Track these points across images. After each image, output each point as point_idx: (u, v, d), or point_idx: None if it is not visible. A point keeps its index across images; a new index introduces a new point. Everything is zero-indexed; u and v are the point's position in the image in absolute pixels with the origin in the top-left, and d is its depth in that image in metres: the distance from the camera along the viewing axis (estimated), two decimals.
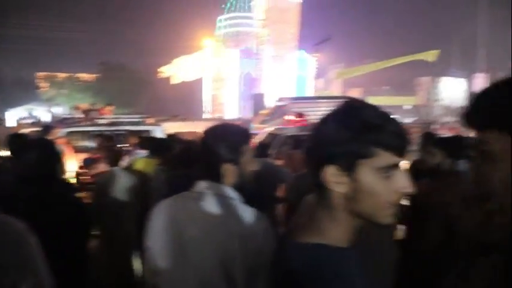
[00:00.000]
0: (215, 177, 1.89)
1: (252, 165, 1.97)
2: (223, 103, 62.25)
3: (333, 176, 1.06)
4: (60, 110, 49.17)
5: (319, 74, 61.47)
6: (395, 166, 1.05)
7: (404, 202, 3.07)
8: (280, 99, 18.23)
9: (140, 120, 10.49)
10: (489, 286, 0.95)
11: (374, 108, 1.06)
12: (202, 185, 1.91)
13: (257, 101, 34.57)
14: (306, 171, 3.95)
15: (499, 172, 0.88)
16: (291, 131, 9.91)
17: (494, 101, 0.88)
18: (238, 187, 1.93)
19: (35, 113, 42.27)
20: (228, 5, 68.20)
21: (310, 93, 56.11)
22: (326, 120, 1.10)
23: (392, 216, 1.07)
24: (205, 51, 59.34)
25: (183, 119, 23.27)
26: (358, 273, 1.08)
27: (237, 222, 1.79)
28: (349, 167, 1.05)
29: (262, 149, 5.91)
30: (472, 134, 0.98)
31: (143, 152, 6.32)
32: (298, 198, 4.10)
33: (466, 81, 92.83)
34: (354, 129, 1.03)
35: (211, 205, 1.85)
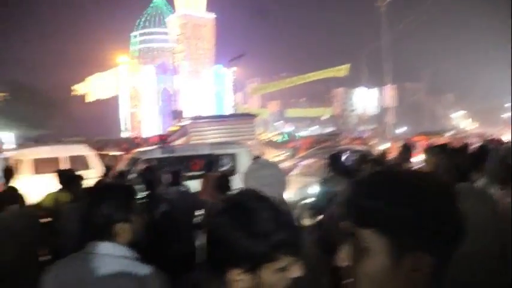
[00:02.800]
0: (107, 237, 1.91)
1: (141, 221, 2.02)
2: (141, 120, 61.54)
3: (236, 277, 1.14)
4: None
5: (237, 89, 62.67)
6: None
7: None
8: (182, 119, 18.50)
9: None
10: None
11: (267, 207, 1.17)
12: (94, 246, 1.91)
13: (176, 117, 34.55)
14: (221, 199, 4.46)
15: (369, 267, 0.92)
16: (150, 154, 9.93)
17: (371, 201, 0.91)
18: (133, 244, 1.95)
19: None
20: (141, 20, 67.74)
21: (229, 107, 56.85)
22: (222, 222, 1.15)
23: None
24: (120, 68, 58.54)
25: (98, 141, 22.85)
26: None
27: (132, 282, 1.80)
28: (253, 270, 1.14)
29: (174, 176, 5.92)
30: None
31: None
32: None
33: (377, 92, 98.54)
34: (255, 235, 1.12)
35: (104, 266, 1.84)
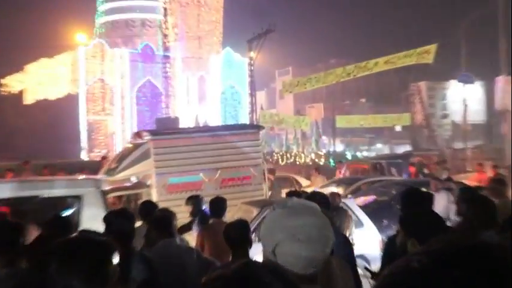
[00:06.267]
0: None
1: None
2: (113, 132, 61.54)
3: None
4: None
5: (260, 84, 62.79)
6: None
7: None
8: (135, 135, 17.90)
9: None
10: None
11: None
12: None
13: (164, 127, 34.29)
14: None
15: None
16: None
17: None
18: None
19: None
20: None
21: (245, 113, 57.03)
22: None
23: None
24: (79, 52, 58.78)
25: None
26: None
27: None
28: None
29: (164, 226, 6.46)
30: None
31: None
32: None
33: (483, 87, 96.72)
34: None
35: None
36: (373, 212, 14.59)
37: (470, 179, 24.07)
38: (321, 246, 2.41)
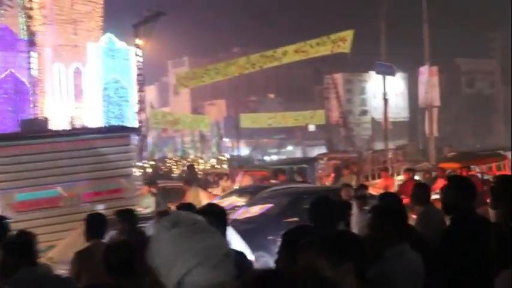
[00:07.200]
0: None
1: None
2: None
3: None
4: None
5: (150, 78, 61.74)
6: None
7: None
8: None
9: None
10: None
11: None
12: None
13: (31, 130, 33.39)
14: None
15: None
16: None
17: None
18: None
19: None
20: None
21: (131, 113, 56.34)
22: None
23: None
24: None
25: None
26: None
27: None
28: None
29: (24, 252, 6.16)
30: None
31: None
32: None
33: (405, 79, 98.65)
34: None
35: None
36: (258, 227, 14.94)
37: (377, 186, 26.15)
38: (230, 269, 2.47)
